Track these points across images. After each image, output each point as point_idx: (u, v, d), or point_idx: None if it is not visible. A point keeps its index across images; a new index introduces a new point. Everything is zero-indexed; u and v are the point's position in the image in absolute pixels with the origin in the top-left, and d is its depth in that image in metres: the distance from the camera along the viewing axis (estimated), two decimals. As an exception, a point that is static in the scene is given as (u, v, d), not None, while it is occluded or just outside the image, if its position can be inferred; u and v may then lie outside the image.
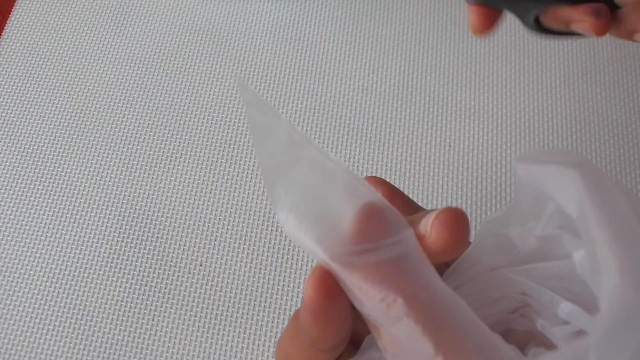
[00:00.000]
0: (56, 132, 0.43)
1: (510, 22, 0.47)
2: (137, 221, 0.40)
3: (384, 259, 0.18)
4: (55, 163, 0.42)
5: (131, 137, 0.43)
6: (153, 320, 0.37)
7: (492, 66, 0.45)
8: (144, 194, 0.41)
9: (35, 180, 0.41)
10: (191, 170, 0.42)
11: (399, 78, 0.45)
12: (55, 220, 0.40)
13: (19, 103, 0.44)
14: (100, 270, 0.38)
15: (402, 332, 0.17)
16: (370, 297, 0.18)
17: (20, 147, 0.43)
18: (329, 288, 0.19)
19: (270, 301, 0.37)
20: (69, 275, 0.38)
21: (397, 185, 0.41)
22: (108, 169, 0.42)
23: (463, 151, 0.42)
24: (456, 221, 0.19)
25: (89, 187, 0.41)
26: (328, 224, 0.19)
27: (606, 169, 0.41)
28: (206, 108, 0.44)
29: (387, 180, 0.40)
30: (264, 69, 0.45)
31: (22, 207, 0.40)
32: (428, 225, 0.19)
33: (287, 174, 0.20)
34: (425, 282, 0.18)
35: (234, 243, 0.39)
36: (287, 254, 0.39)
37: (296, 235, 0.19)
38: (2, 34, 0.47)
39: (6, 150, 0.43)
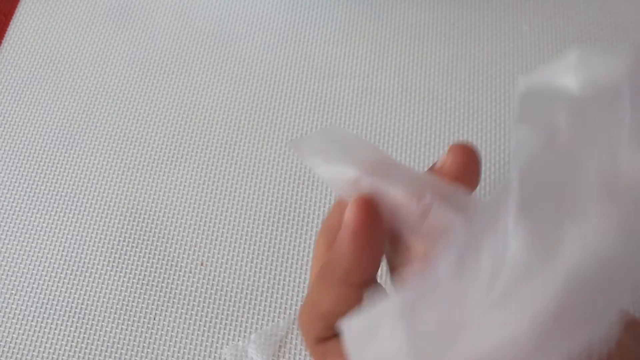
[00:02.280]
0: (58, 133, 0.43)
1: (509, 23, 0.47)
2: (138, 221, 0.40)
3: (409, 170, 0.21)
4: (58, 163, 0.42)
5: (132, 137, 0.43)
6: (154, 319, 0.37)
7: (491, 66, 0.45)
8: (145, 193, 0.41)
9: (38, 180, 0.42)
10: (192, 170, 0.42)
11: (398, 79, 0.45)
12: (57, 220, 0.40)
13: (22, 104, 0.45)
14: (101, 269, 0.39)
15: (433, 220, 0.20)
16: (406, 198, 0.20)
17: (22, 148, 0.43)
18: (372, 208, 0.20)
19: (270, 301, 0.38)
20: (70, 274, 0.38)
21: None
22: (109, 169, 0.42)
23: (462, 151, 0.42)
24: (467, 149, 0.21)
25: (91, 187, 0.41)
26: (354, 154, 0.21)
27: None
28: (207, 108, 0.44)
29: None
30: (264, 70, 0.46)
31: (25, 208, 0.41)
32: (443, 157, 0.22)
33: (310, 137, 0.22)
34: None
35: (235, 243, 0.39)
36: (287, 254, 0.39)
37: (328, 170, 0.21)
38: (5, 35, 0.47)
39: (9, 150, 0.43)
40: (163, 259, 0.39)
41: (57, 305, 0.37)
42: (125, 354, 0.36)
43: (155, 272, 0.38)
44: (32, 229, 0.40)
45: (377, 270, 0.22)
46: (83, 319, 0.37)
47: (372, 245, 0.20)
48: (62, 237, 0.40)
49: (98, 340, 0.36)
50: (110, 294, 0.38)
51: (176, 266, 0.39)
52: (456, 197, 0.20)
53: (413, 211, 0.20)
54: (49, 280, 0.38)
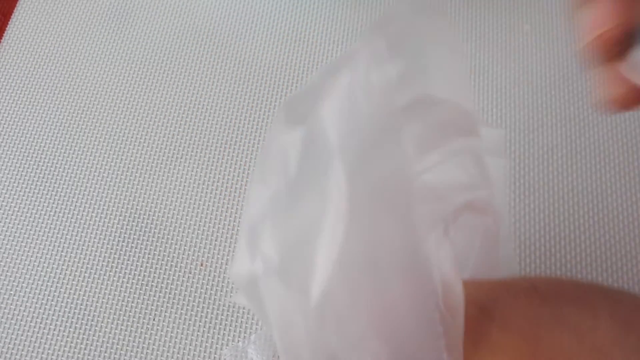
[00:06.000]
0: (57, 133, 0.43)
1: (510, 22, 0.47)
2: (137, 221, 0.40)
3: None
4: (57, 163, 0.42)
5: (132, 137, 0.43)
6: (154, 320, 0.37)
7: (492, 66, 0.45)
8: (144, 194, 0.41)
9: (37, 181, 0.42)
10: (192, 171, 0.42)
11: (399, 78, 0.45)
12: (57, 220, 0.40)
13: (21, 104, 0.45)
14: (101, 270, 0.38)
15: None
16: None
17: (21, 148, 0.43)
18: None
19: (271, 301, 0.37)
20: (70, 275, 0.38)
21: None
22: (109, 169, 0.42)
23: (463, 151, 0.42)
24: None
25: (90, 187, 0.41)
26: None
27: (606, 169, 0.41)
28: (206, 108, 0.44)
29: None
30: (264, 70, 0.45)
31: (24, 208, 0.41)
32: None
33: None
34: None
35: (234, 243, 0.39)
36: (288, 254, 0.39)
37: None
38: (4, 35, 0.47)
39: (7, 150, 0.43)
40: (163, 260, 0.39)
41: (56, 305, 0.37)
42: (125, 355, 0.36)
43: (154, 272, 0.38)
44: (30, 229, 0.40)
45: None
46: (82, 319, 0.37)
47: None
48: (61, 237, 0.39)
49: (97, 340, 0.36)
50: (109, 294, 0.38)
51: (176, 267, 0.39)
52: None
53: None
54: (48, 281, 0.38)
